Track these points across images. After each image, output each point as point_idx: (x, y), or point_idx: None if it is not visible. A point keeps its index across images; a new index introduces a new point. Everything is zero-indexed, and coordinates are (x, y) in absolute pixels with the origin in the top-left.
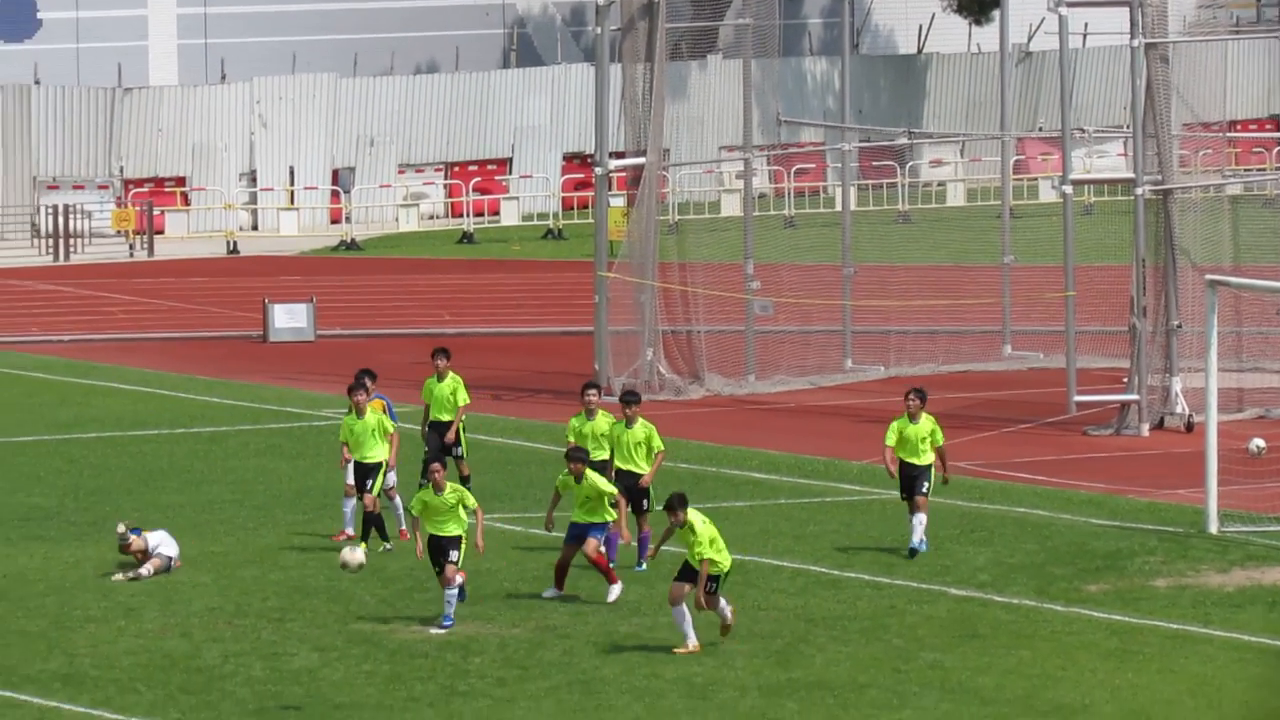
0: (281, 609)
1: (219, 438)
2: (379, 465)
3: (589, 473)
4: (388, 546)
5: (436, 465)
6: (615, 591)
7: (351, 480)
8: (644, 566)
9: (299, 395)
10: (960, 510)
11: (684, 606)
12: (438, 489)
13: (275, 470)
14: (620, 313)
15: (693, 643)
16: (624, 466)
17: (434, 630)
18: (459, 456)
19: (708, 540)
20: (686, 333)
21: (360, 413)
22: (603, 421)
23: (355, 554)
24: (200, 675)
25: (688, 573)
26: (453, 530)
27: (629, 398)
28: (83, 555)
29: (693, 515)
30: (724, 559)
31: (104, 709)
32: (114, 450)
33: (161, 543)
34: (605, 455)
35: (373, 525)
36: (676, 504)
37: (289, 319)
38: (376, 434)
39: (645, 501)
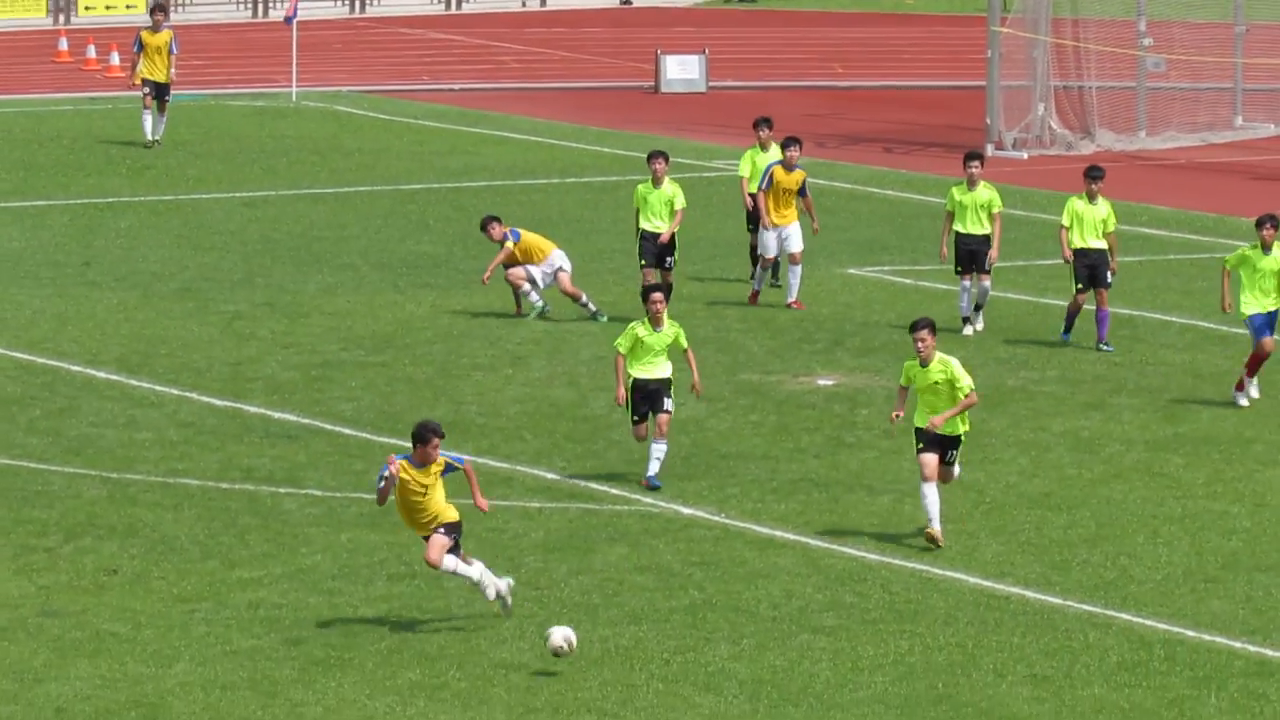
0: None
1: (609, 188)
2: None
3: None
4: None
5: (658, 295)
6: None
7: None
8: (1109, 347)
9: (689, 146)
10: None
11: (935, 484)
12: (656, 323)
13: None
14: (1012, 68)
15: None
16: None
17: (655, 481)
18: (668, 267)
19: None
20: (1078, 88)
21: (657, 182)
22: (984, 191)
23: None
24: (586, 424)
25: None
26: (665, 372)
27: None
28: (470, 303)
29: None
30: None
31: (489, 456)
32: (503, 199)
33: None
34: (984, 230)
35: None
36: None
37: (681, 70)
38: (669, 206)
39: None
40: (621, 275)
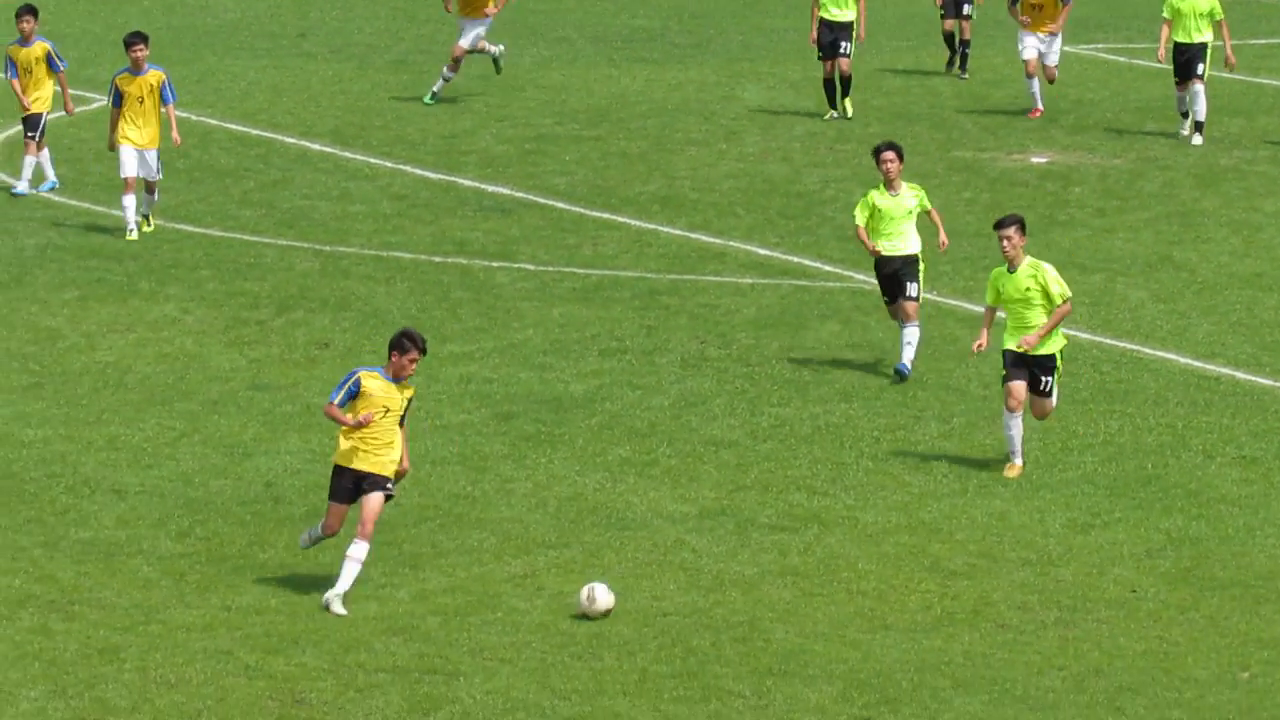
0: (882, 135)
1: None
2: None
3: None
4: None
5: (891, 154)
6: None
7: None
8: None
9: None
10: None
11: (1021, 416)
12: (892, 187)
13: None
14: None
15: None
16: None
17: (905, 369)
18: (844, 54)
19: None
20: None
21: None
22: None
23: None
24: (799, 200)
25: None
26: (910, 247)
27: None
28: (685, 78)
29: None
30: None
31: (702, 232)
32: None
33: None
34: (1202, 38)
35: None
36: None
37: None
38: None
39: None
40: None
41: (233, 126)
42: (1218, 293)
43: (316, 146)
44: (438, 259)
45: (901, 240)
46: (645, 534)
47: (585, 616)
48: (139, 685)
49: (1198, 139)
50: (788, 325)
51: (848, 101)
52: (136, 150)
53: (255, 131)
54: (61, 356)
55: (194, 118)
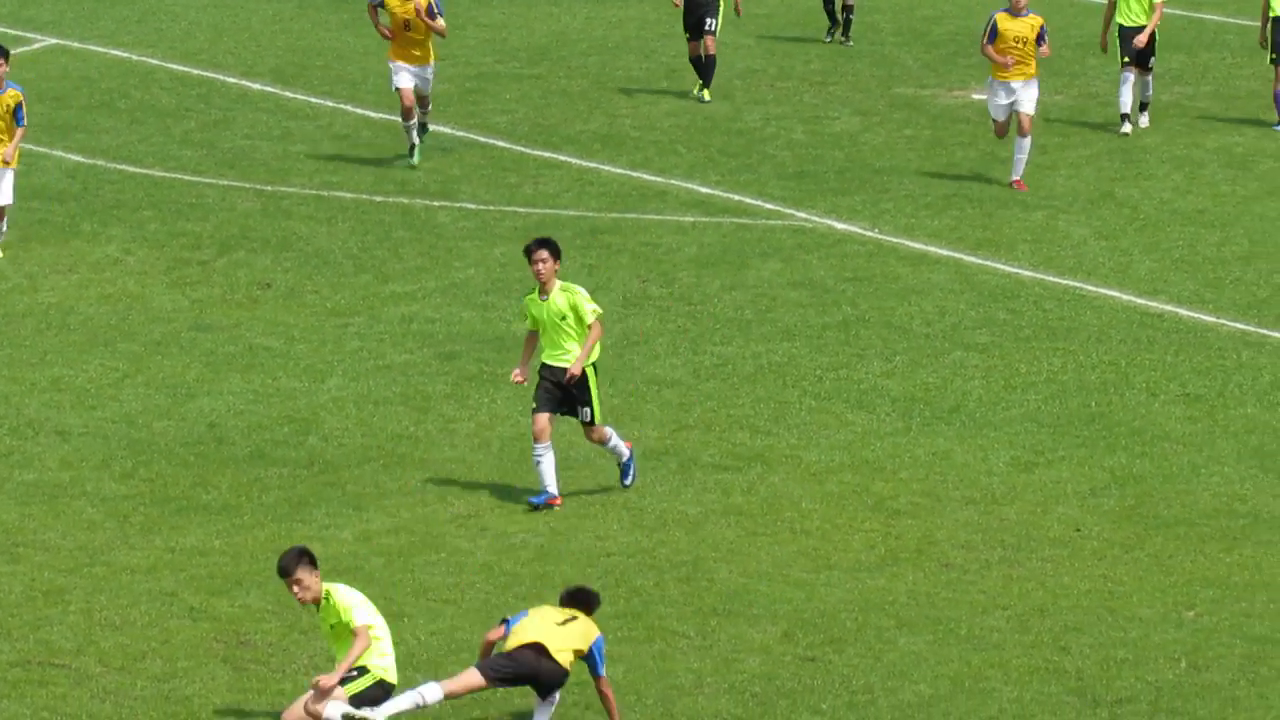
0: (823, 73)
1: None
2: None
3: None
4: None
5: (544, 252)
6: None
7: None
8: None
9: None
10: None
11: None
12: (543, 291)
13: None
14: None
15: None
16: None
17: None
18: (710, 30)
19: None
20: None
21: None
22: None
23: None
24: (741, 138)
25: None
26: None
27: None
28: (626, 15)
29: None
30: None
31: (643, 170)
32: None
33: None
34: (1146, 20)
35: None
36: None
37: None
38: None
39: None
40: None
41: (174, 66)
42: (1160, 229)
43: (257, 86)
44: (379, 198)
45: (564, 351)
46: (588, 473)
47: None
48: (84, 627)
49: (1144, 121)
50: (729, 264)
51: (706, 92)
52: None
53: (196, 71)
54: (3, 298)
55: (135, 57)
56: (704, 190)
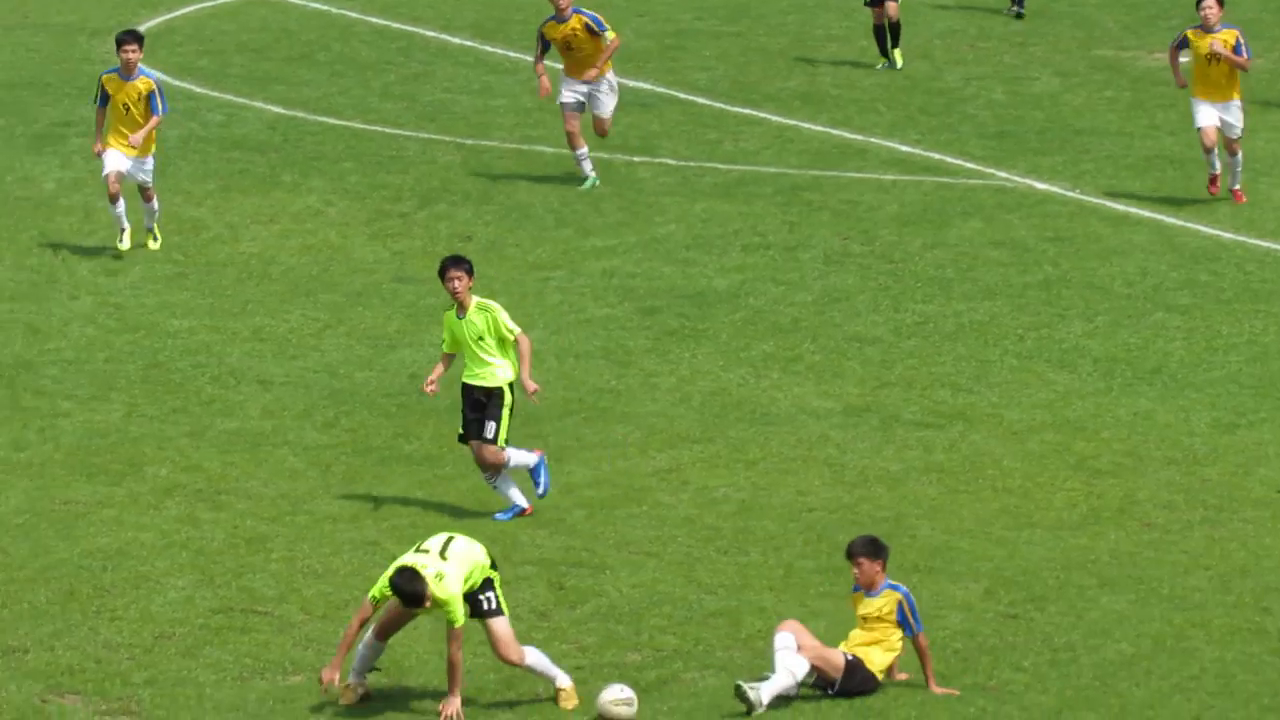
0: (1023, 34)
1: None
2: None
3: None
4: None
5: (458, 271)
6: None
7: None
8: None
9: None
10: None
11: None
12: (460, 309)
13: None
14: None
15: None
16: None
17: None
18: None
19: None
20: None
21: None
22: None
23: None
24: (941, 98)
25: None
26: (491, 379)
27: None
28: None
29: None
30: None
31: (843, 128)
32: None
33: None
34: None
35: None
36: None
37: None
38: None
39: None
40: None
41: (373, 20)
42: None
43: (457, 40)
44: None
45: (482, 370)
46: (789, 429)
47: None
48: (286, 575)
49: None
50: (930, 222)
51: (897, 53)
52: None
53: (396, 25)
54: (205, 247)
55: (334, 10)
56: (904, 149)
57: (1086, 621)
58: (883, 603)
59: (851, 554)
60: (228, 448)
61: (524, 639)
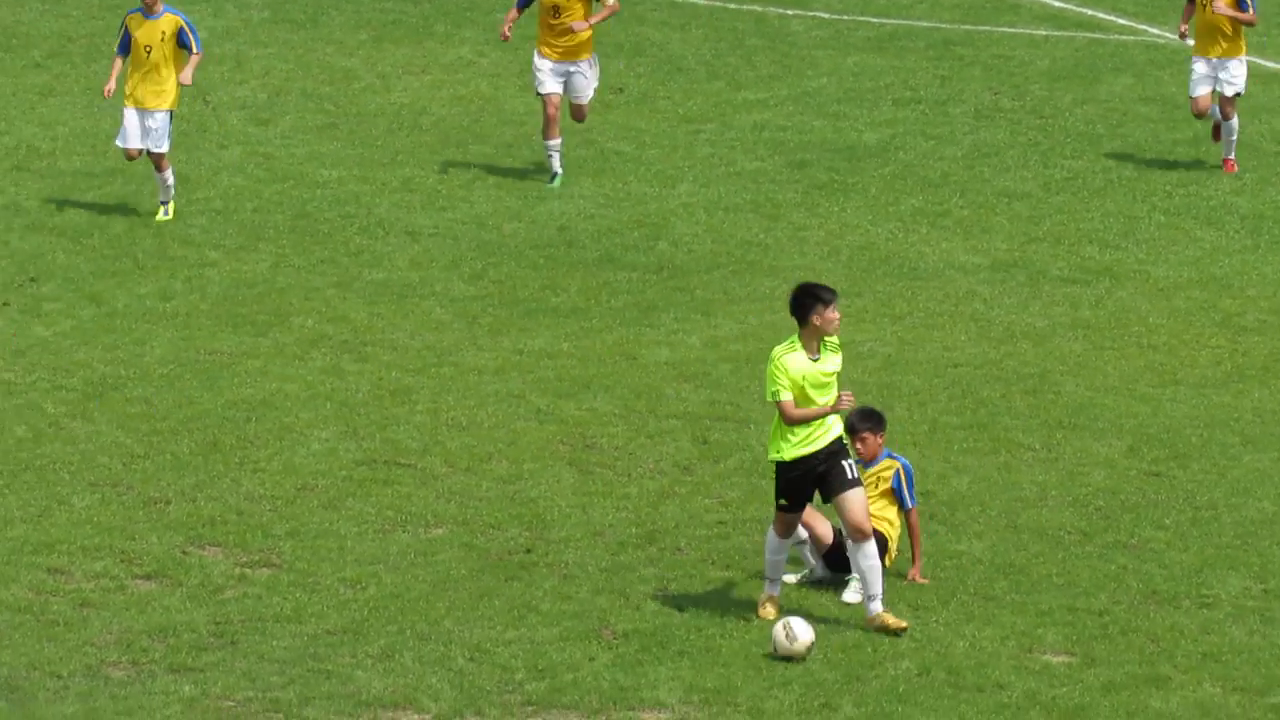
0: None
1: None
2: None
3: None
4: None
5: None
6: None
7: None
8: None
9: None
10: None
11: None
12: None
13: None
14: None
15: None
16: None
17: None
18: None
19: None
20: None
21: None
22: None
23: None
24: None
25: None
26: None
27: None
28: None
29: None
30: None
31: None
32: None
33: None
34: None
35: None
36: None
37: None
38: None
39: None
40: None
41: None
42: None
43: None
44: (733, 5)
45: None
46: (937, 284)
47: (789, 658)
48: (430, 427)
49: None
50: (1081, 78)
51: None
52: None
53: None
54: (356, 97)
55: None
56: (1056, 4)
57: (1229, 479)
58: (881, 469)
59: (854, 429)
60: (374, 299)
61: (667, 494)
